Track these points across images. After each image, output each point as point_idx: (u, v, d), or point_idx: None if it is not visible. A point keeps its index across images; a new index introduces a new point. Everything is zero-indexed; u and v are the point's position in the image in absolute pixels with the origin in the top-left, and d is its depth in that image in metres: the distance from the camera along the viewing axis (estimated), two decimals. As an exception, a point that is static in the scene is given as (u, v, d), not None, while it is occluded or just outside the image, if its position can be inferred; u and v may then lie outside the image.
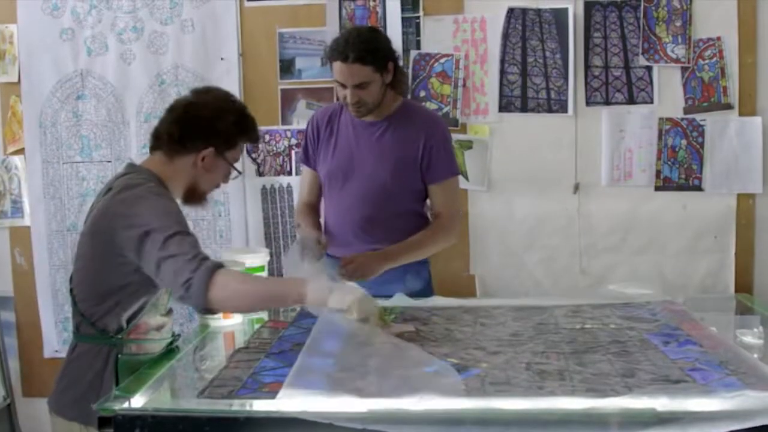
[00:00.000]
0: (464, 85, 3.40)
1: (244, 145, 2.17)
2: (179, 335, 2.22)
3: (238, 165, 2.15)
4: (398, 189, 2.64)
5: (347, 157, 2.65)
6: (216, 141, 2.03)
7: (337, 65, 2.50)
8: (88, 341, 1.95)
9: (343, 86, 2.52)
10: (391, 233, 2.64)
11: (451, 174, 2.69)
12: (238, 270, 1.93)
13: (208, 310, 1.82)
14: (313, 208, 2.81)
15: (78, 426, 1.90)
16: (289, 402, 1.60)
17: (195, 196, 2.10)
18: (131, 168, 2.07)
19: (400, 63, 2.68)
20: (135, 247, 1.83)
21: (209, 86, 2.20)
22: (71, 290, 2.00)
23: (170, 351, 2.05)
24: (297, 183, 3.33)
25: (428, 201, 2.74)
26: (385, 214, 2.64)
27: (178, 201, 2.06)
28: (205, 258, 1.80)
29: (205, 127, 2.02)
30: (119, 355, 1.91)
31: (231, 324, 2.32)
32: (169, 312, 2.13)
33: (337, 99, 2.71)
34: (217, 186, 2.15)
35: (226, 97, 2.11)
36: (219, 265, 1.80)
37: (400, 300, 2.50)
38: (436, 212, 2.70)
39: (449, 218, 2.69)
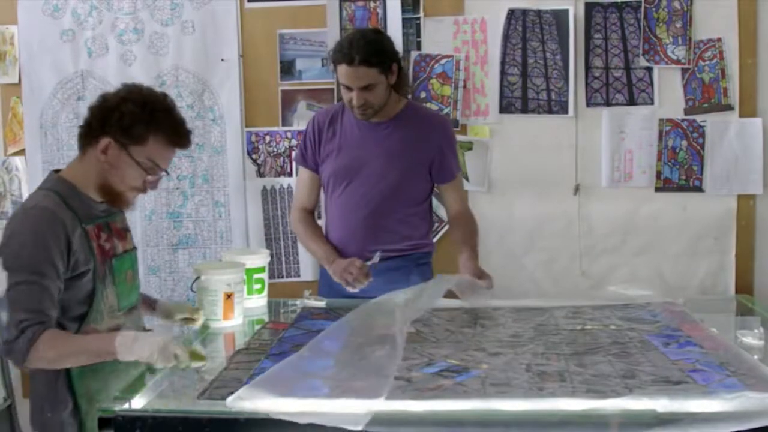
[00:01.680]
0: (464, 86, 3.40)
1: (167, 146, 1.99)
2: (150, 330, 2.20)
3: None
4: (406, 189, 2.64)
5: (353, 157, 2.64)
6: (113, 130, 1.92)
7: (343, 68, 2.48)
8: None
9: (349, 89, 2.51)
10: (393, 234, 2.64)
11: (458, 171, 2.76)
12: (55, 335, 1.83)
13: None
14: (312, 216, 2.80)
15: None
16: (290, 402, 1.60)
17: (111, 195, 1.99)
18: (45, 179, 2.02)
19: (406, 70, 2.68)
20: None
21: (141, 84, 2.06)
22: None
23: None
24: (297, 184, 3.33)
25: (427, 200, 2.75)
26: (389, 215, 2.64)
27: (97, 202, 1.99)
28: (32, 324, 1.79)
29: (104, 116, 1.93)
30: (71, 369, 1.89)
31: (231, 325, 2.32)
32: (131, 310, 2.08)
33: (339, 100, 2.71)
34: (137, 188, 2.00)
35: (142, 90, 1.99)
36: (39, 332, 1.79)
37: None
38: (457, 209, 2.74)
39: (468, 209, 2.78)
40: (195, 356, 1.82)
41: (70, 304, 1.91)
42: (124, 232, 2.10)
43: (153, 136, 1.95)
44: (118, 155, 1.94)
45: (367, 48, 2.47)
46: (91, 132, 1.96)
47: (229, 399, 1.62)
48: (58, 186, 1.95)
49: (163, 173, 2.04)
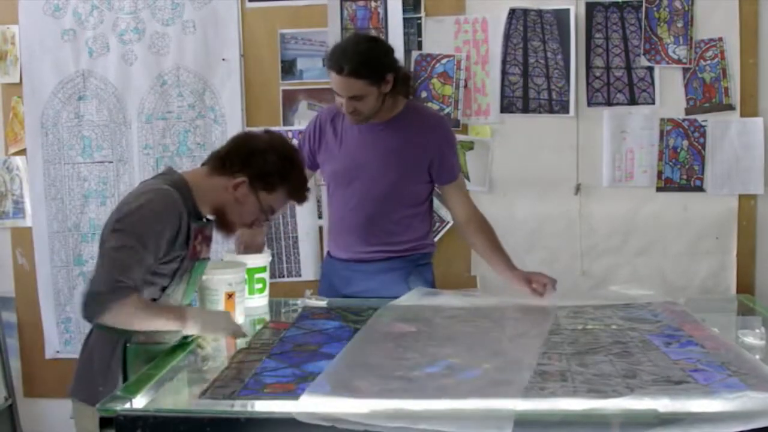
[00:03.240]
0: (465, 86, 3.40)
1: (287, 199, 2.16)
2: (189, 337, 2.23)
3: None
4: (405, 190, 2.64)
5: (353, 158, 2.63)
6: (251, 172, 2.06)
7: (333, 75, 2.47)
8: (100, 329, 2.01)
9: (339, 94, 2.50)
10: (393, 235, 2.64)
11: (459, 171, 2.74)
12: (138, 299, 1.95)
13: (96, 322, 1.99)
14: None
15: (86, 407, 1.95)
16: (290, 403, 1.60)
17: (223, 222, 2.13)
18: (163, 171, 2.16)
19: (403, 64, 2.66)
20: (106, 232, 1.99)
21: (283, 136, 2.25)
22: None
23: (184, 343, 2.07)
24: (298, 184, 3.33)
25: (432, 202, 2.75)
26: (389, 216, 2.64)
27: (206, 216, 2.12)
28: (124, 286, 1.89)
29: (247, 155, 2.07)
30: (128, 344, 1.97)
31: (232, 325, 2.32)
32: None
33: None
34: (246, 224, 2.17)
35: (285, 143, 2.16)
36: (127, 295, 1.90)
37: (416, 294, 2.53)
38: (466, 212, 2.69)
39: (477, 210, 2.71)
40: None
41: (151, 281, 2.02)
42: (209, 241, 2.19)
43: (282, 188, 2.10)
44: (247, 194, 2.08)
45: (357, 58, 2.43)
46: (230, 164, 2.08)
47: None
48: (179, 184, 2.05)
49: (273, 218, 2.20)
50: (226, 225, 2.15)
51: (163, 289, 2.05)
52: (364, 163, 2.62)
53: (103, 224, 2.04)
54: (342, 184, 2.67)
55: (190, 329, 2.01)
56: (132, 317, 1.93)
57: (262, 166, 2.06)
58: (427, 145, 2.62)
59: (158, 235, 1.96)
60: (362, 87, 2.45)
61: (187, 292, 2.15)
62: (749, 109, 3.31)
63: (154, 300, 2.04)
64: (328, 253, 2.82)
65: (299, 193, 2.16)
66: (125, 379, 1.94)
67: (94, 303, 1.90)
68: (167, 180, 2.07)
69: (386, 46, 2.62)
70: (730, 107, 3.31)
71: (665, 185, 3.37)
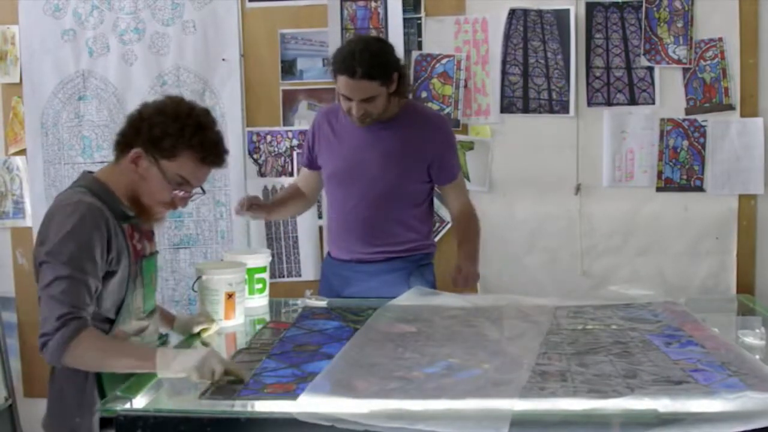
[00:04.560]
0: (465, 86, 3.40)
1: (197, 163, 1.94)
2: (167, 335, 2.20)
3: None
4: (404, 190, 2.64)
5: (352, 159, 2.63)
6: (144, 142, 1.89)
7: (343, 79, 2.43)
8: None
9: (348, 99, 2.48)
10: (393, 236, 2.64)
11: (459, 171, 2.74)
12: (96, 334, 1.81)
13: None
14: (296, 188, 2.83)
15: None
16: (290, 403, 1.60)
17: (140, 207, 1.96)
18: (78, 178, 2.00)
19: (408, 70, 2.66)
20: (35, 269, 1.85)
21: (182, 97, 2.01)
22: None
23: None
24: (298, 184, 3.33)
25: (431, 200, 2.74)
26: (389, 216, 2.64)
27: (128, 211, 1.96)
28: (72, 318, 1.76)
29: (137, 125, 1.91)
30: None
31: (232, 325, 2.32)
32: (151, 313, 2.08)
33: (339, 100, 2.70)
34: (165, 203, 1.97)
35: (180, 104, 1.94)
36: (80, 328, 1.76)
37: (415, 294, 2.52)
38: (458, 209, 2.73)
39: (469, 208, 2.76)
40: (233, 373, 1.76)
41: (102, 302, 1.89)
42: (151, 234, 2.08)
43: (183, 151, 1.91)
44: (148, 168, 1.91)
45: (370, 61, 2.41)
46: (124, 140, 1.94)
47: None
48: (94, 185, 1.93)
49: (197, 191, 2.00)
50: (143, 210, 1.96)
51: (111, 322, 1.91)
52: (363, 164, 2.61)
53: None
54: (341, 185, 2.67)
55: (161, 371, 1.77)
56: (93, 356, 1.77)
57: (151, 131, 1.88)
58: (427, 145, 2.62)
59: (90, 252, 1.81)
60: (375, 88, 2.44)
61: (146, 295, 2.02)
62: (749, 109, 3.31)
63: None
64: (329, 253, 2.81)
65: (208, 153, 1.93)
66: (103, 396, 1.82)
67: (48, 348, 1.75)
68: (81, 186, 1.92)
69: (391, 46, 2.61)
70: (730, 107, 3.31)
71: (665, 185, 3.37)
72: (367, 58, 2.41)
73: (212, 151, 1.95)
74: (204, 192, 2.04)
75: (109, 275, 1.88)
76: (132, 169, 1.92)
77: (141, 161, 1.91)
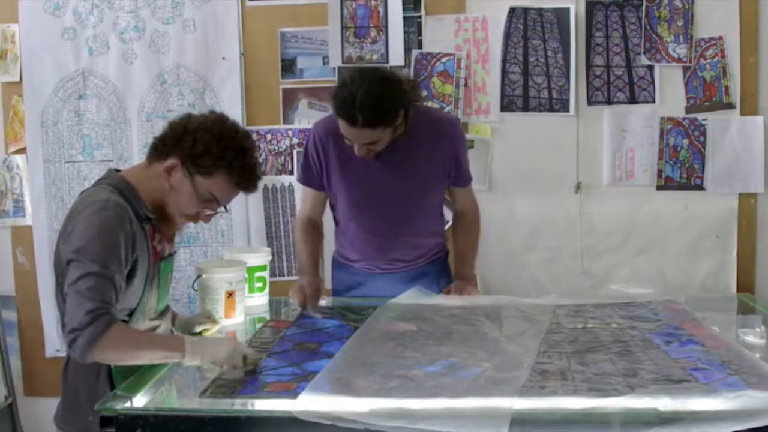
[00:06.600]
0: (466, 85, 3.40)
1: (230, 186, 1.95)
2: (172, 332, 2.20)
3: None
4: (426, 203, 2.59)
5: (368, 182, 2.49)
6: (182, 153, 1.90)
7: (343, 123, 2.27)
8: None
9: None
10: (418, 249, 2.62)
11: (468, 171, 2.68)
12: (125, 328, 1.83)
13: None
14: (314, 227, 2.64)
15: None
16: (290, 401, 1.60)
17: (162, 214, 1.97)
18: (104, 175, 2.00)
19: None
20: (61, 265, 1.86)
21: (227, 116, 2.00)
22: (59, 304, 1.94)
23: None
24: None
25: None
26: (412, 230, 2.58)
27: (149, 214, 1.94)
28: (103, 313, 1.75)
29: (179, 136, 1.91)
30: (112, 366, 1.85)
31: (232, 324, 2.32)
32: (162, 313, 2.08)
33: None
34: (189, 216, 1.98)
35: (225, 123, 1.95)
36: (110, 323, 1.76)
37: (415, 293, 2.52)
38: (462, 208, 2.71)
39: (477, 208, 2.75)
40: (254, 363, 1.85)
41: (119, 303, 1.87)
42: (171, 236, 2.08)
43: (220, 171, 1.91)
44: (181, 180, 1.92)
45: (372, 110, 2.21)
46: (163, 147, 1.94)
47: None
48: (120, 184, 1.92)
49: (221, 209, 2.01)
50: (165, 219, 1.97)
51: (124, 322, 1.89)
52: (380, 187, 2.49)
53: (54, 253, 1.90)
54: (359, 208, 2.55)
55: (190, 360, 1.82)
56: (124, 348, 1.78)
57: (193, 146, 1.88)
58: (443, 153, 2.52)
59: (117, 252, 1.81)
60: (378, 133, 2.28)
61: (160, 296, 2.03)
62: (749, 108, 3.31)
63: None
64: (342, 256, 2.70)
65: (243, 180, 1.94)
66: None
67: (78, 344, 1.73)
68: (108, 185, 1.92)
69: (397, 83, 2.32)
70: (731, 106, 3.31)
71: (665, 184, 3.37)
72: (368, 106, 2.20)
73: (247, 178, 1.96)
74: (227, 211, 2.07)
75: (129, 276, 1.88)
76: (164, 177, 1.92)
77: (175, 172, 1.91)
